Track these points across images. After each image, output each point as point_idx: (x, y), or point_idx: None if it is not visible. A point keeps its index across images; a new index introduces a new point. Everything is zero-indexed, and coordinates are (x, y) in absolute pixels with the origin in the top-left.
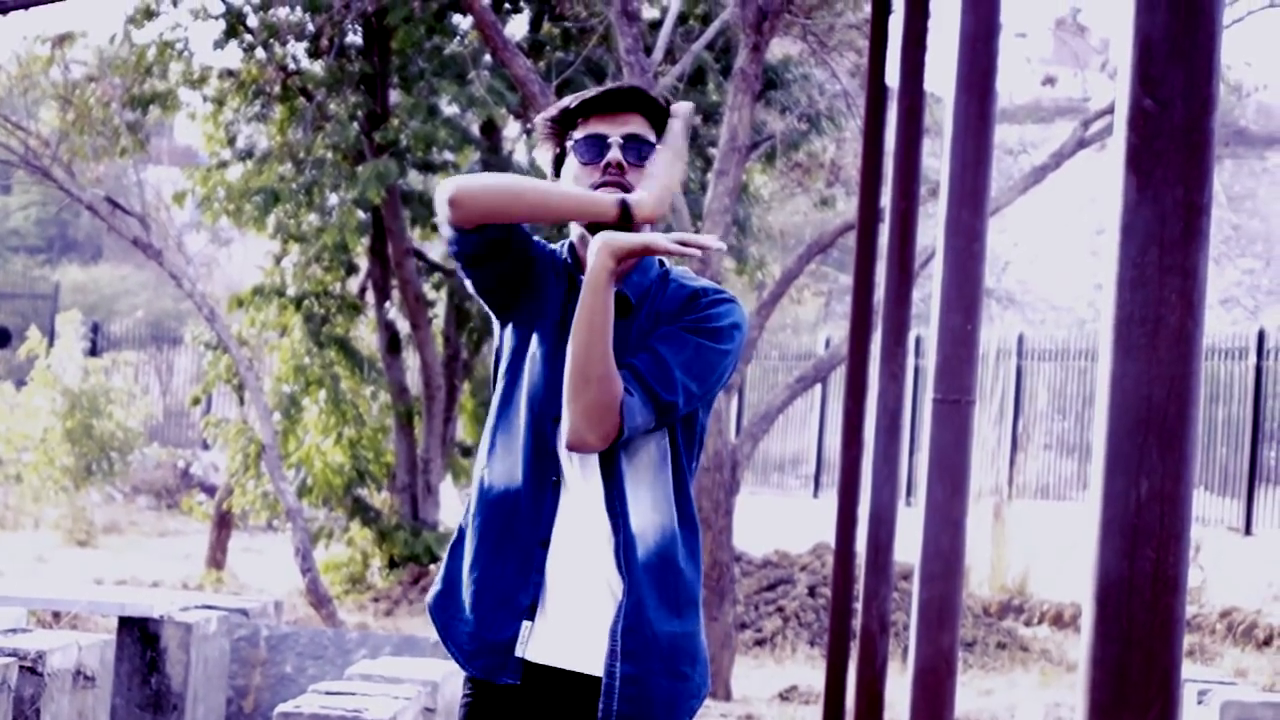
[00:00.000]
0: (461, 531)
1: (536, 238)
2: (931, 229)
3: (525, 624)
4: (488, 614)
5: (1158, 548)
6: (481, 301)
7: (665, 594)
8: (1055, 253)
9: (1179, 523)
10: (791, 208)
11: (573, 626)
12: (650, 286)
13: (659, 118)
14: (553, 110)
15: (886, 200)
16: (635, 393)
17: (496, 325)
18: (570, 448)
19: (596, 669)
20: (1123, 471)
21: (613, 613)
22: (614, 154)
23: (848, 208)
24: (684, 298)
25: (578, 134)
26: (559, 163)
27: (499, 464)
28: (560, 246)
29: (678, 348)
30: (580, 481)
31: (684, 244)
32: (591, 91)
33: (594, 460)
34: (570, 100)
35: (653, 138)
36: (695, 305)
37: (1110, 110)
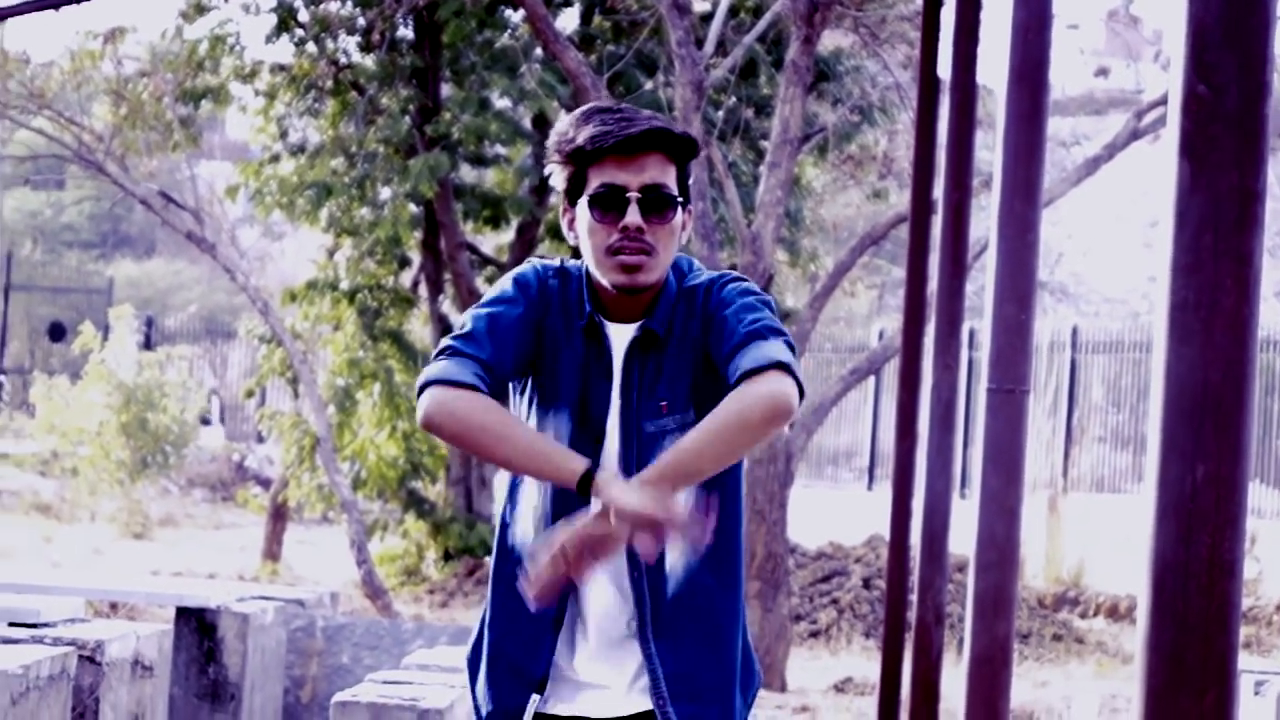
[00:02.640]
0: (488, 606)
1: (535, 268)
2: (984, 221)
3: (534, 697)
4: (501, 678)
5: (1213, 532)
6: None
7: (701, 622)
8: (1109, 245)
9: (1235, 507)
10: (844, 200)
11: (592, 679)
12: (674, 311)
13: (680, 150)
14: (565, 144)
15: (939, 192)
16: (776, 338)
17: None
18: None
19: (617, 710)
20: (1178, 456)
21: (645, 663)
22: (633, 217)
23: (900, 200)
24: (700, 298)
25: (593, 179)
26: (572, 193)
27: (519, 524)
28: (556, 277)
29: (751, 310)
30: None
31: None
32: (608, 134)
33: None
34: (584, 140)
35: (673, 181)
36: (714, 292)
37: (1163, 101)
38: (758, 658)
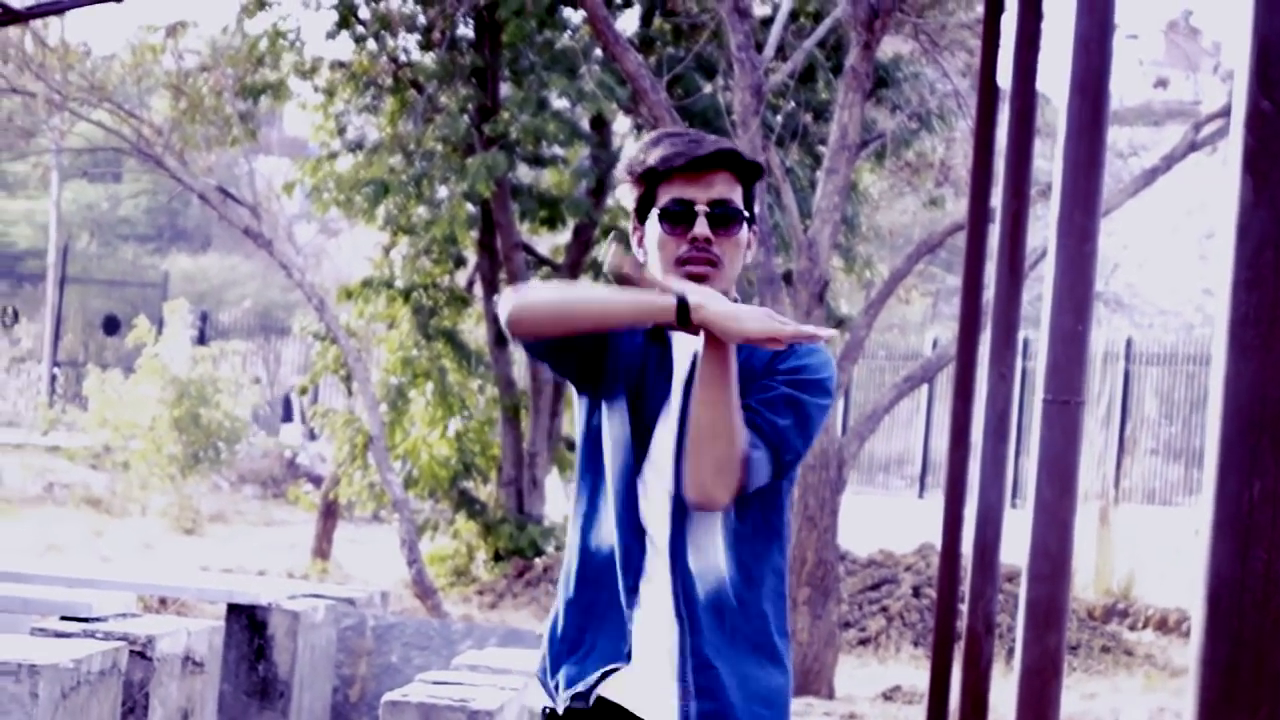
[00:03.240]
0: (564, 601)
1: None
2: (1040, 230)
3: (616, 670)
4: (586, 668)
5: (1269, 548)
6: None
7: (731, 635)
8: (1164, 256)
9: None
10: (900, 207)
11: (650, 677)
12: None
13: (747, 172)
14: (636, 166)
15: (997, 201)
16: (761, 448)
17: (573, 390)
18: (696, 505)
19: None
20: (1236, 472)
21: (677, 657)
22: (700, 228)
23: (956, 208)
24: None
25: (662, 195)
26: (641, 211)
27: (603, 527)
28: None
29: (789, 407)
30: (657, 535)
31: (799, 335)
32: (678, 154)
33: (666, 510)
34: (655, 160)
35: (740, 198)
36: (791, 354)
37: (1222, 113)
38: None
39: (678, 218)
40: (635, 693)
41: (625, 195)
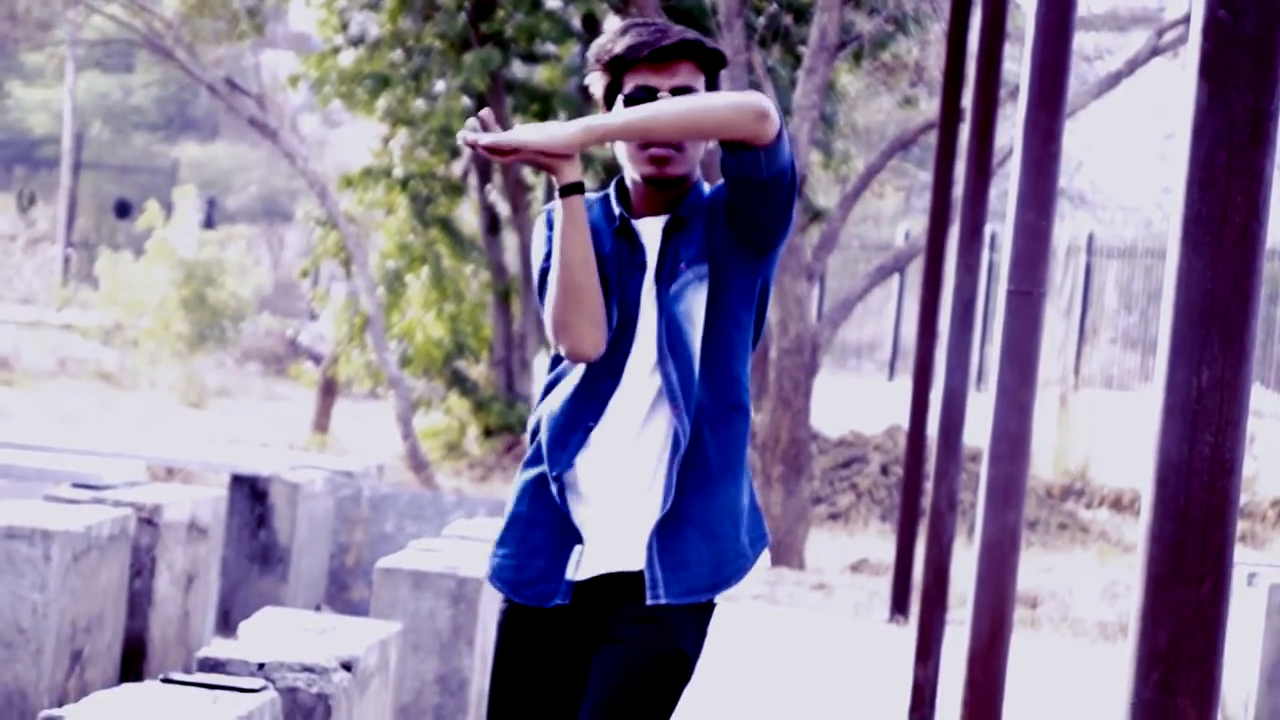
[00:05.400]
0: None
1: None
2: (1008, 130)
3: (577, 548)
4: (541, 543)
5: (1216, 432)
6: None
7: (697, 467)
8: (1126, 156)
9: (1237, 409)
10: (875, 106)
11: (618, 532)
12: (698, 202)
13: (710, 62)
14: (604, 54)
15: (967, 101)
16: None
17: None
18: (752, 138)
19: (638, 564)
20: (1186, 360)
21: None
22: None
23: (929, 107)
24: (719, 192)
25: (627, 83)
26: (609, 98)
27: (552, 399)
28: (597, 198)
29: None
30: (630, 393)
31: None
32: (643, 44)
33: (651, 363)
34: (621, 49)
35: (702, 87)
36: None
37: (1183, 20)
38: (768, 531)
39: (642, 103)
40: (600, 558)
41: (594, 83)
